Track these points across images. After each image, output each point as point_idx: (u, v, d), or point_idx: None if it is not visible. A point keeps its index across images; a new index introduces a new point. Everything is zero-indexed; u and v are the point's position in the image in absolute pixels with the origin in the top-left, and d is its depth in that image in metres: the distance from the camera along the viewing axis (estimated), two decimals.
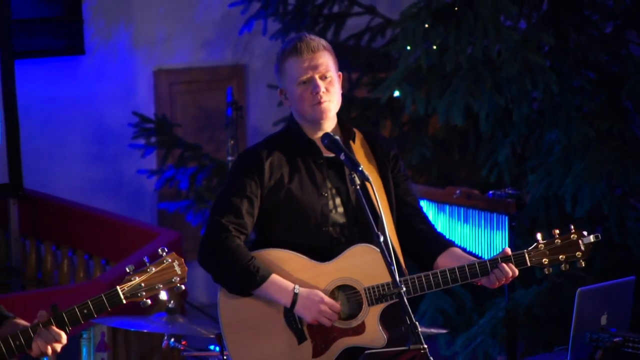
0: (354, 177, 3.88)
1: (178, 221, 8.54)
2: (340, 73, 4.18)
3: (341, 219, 4.12)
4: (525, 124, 6.85)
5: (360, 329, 4.03)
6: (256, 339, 4.07)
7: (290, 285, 4.02)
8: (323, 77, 4.09)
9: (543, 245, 4.11)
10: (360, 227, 4.09)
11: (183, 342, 5.01)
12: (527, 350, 6.50)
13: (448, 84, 6.61)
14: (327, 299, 4.01)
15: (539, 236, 4.13)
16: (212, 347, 4.99)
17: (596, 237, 4.15)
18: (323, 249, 4.07)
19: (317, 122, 4.11)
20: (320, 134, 4.11)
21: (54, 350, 3.47)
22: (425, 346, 3.65)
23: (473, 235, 6.05)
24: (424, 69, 6.58)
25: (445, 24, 6.51)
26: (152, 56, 9.26)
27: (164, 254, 3.63)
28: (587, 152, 6.60)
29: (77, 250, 8.03)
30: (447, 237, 6.07)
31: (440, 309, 6.80)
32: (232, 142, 6.45)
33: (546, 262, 4.11)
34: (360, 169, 3.89)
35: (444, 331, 5.47)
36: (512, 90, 6.55)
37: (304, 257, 4.07)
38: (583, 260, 4.14)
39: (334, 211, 4.12)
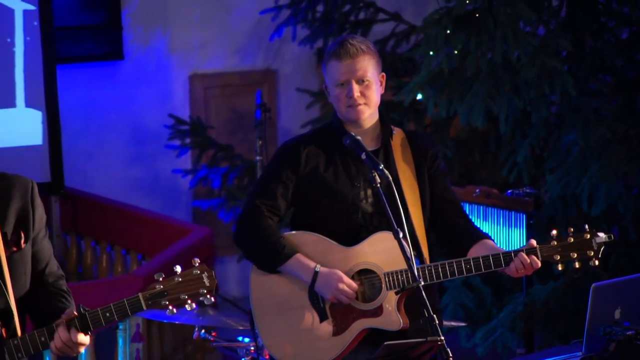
0: (374, 175, 3.88)
1: (211, 218, 8.54)
2: (383, 74, 4.20)
3: (370, 209, 4.14)
4: (544, 126, 6.82)
5: (378, 312, 4.05)
6: (281, 314, 4.12)
7: (312, 264, 4.07)
8: (360, 81, 4.11)
9: (556, 242, 4.07)
10: (388, 218, 4.08)
11: (213, 334, 5.01)
12: (544, 343, 6.46)
13: (469, 87, 6.58)
14: (345, 278, 4.04)
15: (554, 233, 4.08)
16: (240, 338, 4.98)
17: (609, 237, 4.09)
18: (350, 235, 4.11)
19: (352, 122, 4.16)
20: (359, 130, 4.16)
21: (75, 352, 3.41)
22: (442, 338, 3.64)
23: (492, 233, 6.01)
24: (446, 73, 6.55)
25: (466, 30, 6.48)
26: (187, 61, 9.27)
27: (196, 264, 3.49)
28: (603, 153, 6.55)
29: (115, 245, 8.06)
30: None
31: (461, 303, 6.76)
32: (260, 142, 6.45)
33: (558, 259, 4.06)
34: (380, 167, 3.89)
35: (463, 324, 5.44)
36: (530, 93, 6.51)
37: (331, 240, 4.11)
38: (596, 259, 4.07)
39: (364, 201, 4.14)
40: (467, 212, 6.12)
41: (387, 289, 4.04)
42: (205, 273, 3.47)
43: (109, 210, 7.98)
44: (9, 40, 7.52)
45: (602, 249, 4.07)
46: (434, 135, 7.23)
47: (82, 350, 3.41)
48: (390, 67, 7.71)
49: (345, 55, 4.09)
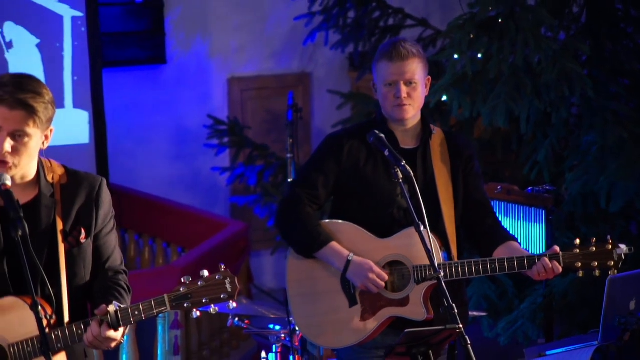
0: (397, 171, 3.86)
1: (248, 214, 8.56)
2: (429, 77, 4.19)
3: (405, 204, 4.09)
4: (564, 127, 6.77)
5: (404, 302, 4.05)
6: (314, 297, 4.14)
7: (345, 252, 4.07)
8: (408, 83, 4.10)
9: (578, 250, 4.03)
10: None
11: (246, 322, 5.01)
12: (564, 333, 6.41)
13: (491, 89, 6.53)
14: (376, 268, 4.04)
15: (577, 241, 4.05)
16: (271, 326, 4.98)
17: (630, 249, 4.05)
18: (385, 227, 4.11)
19: (396, 120, 4.15)
20: (401, 128, 4.16)
21: (99, 347, 3.39)
22: (461, 326, 3.62)
23: (513, 228, 5.96)
24: (470, 76, 6.50)
25: (489, 34, 6.44)
26: (226, 65, 9.29)
27: (221, 270, 3.45)
28: (621, 152, 6.50)
29: (157, 238, 8.08)
30: None
31: (485, 295, 6.72)
32: (291, 140, 6.43)
33: (579, 266, 4.03)
34: (402, 164, 3.87)
35: (484, 314, 5.41)
36: (551, 95, 6.46)
37: (366, 231, 4.11)
38: (615, 269, 4.04)
39: (400, 196, 4.12)
40: None
41: (414, 282, 4.04)
42: (228, 279, 3.43)
43: (152, 205, 8.01)
44: (58, 45, 7.57)
45: (621, 260, 4.03)
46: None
47: (114, 345, 3.38)
48: None
49: (397, 56, 4.09)
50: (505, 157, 7.45)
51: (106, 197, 3.53)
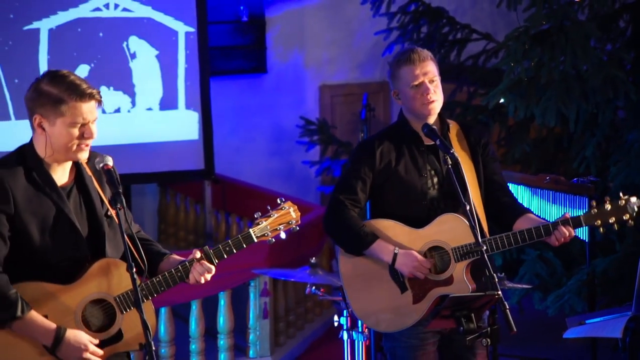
0: (446, 158, 3.82)
1: None
2: (439, 77, 4.10)
3: (436, 194, 4.05)
4: (610, 126, 6.62)
5: (449, 281, 3.97)
6: (368, 288, 4.07)
7: (391, 247, 4.00)
8: (431, 81, 4.01)
9: (596, 210, 3.92)
10: (451, 201, 4.02)
11: (322, 290, 5.00)
12: (604, 306, 6.27)
13: (543, 93, 6.44)
14: (420, 257, 3.97)
15: (593, 203, 3.95)
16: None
17: None
18: (420, 218, 4.02)
19: (424, 117, 4.04)
20: (421, 125, 4.04)
21: (205, 279, 3.49)
22: (500, 292, 3.56)
23: (559, 214, 5.85)
24: (524, 81, 6.41)
25: (542, 45, 6.34)
26: (318, 74, 9.31)
27: (282, 202, 3.60)
28: None
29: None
30: (537, 214, 5.95)
31: (536, 273, 6.60)
32: (362, 134, 6.43)
33: (599, 224, 3.92)
34: (451, 151, 3.82)
35: (530, 286, 5.30)
36: (597, 98, 6.33)
37: (404, 225, 4.03)
38: (631, 221, 3.90)
39: (431, 189, 4.05)
40: (539, 196, 6.03)
41: (455, 261, 3.96)
42: (292, 208, 3.62)
43: (251, 193, 8.06)
44: (173, 55, 7.66)
45: (635, 211, 3.90)
46: (515, 134, 7.09)
47: (209, 277, 3.49)
48: (480, 78, 7.60)
49: (417, 60, 4.00)
50: (557, 153, 7.32)
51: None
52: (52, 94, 3.31)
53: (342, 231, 4.05)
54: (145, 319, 3.21)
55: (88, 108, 3.33)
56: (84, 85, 3.33)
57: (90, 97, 3.33)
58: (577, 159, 6.76)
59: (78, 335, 3.35)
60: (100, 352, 3.40)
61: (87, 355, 3.36)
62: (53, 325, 3.34)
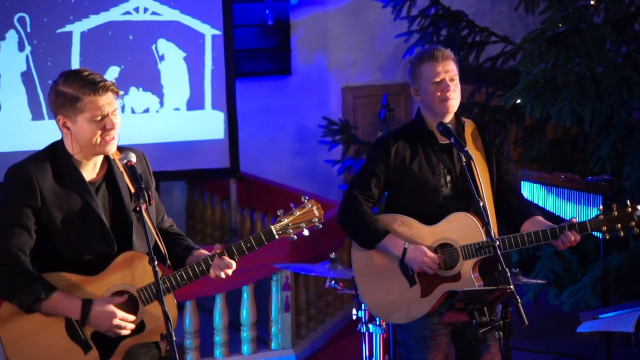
0: (461, 156, 3.79)
1: None
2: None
3: (449, 192, 4.02)
4: (624, 127, 6.55)
5: (457, 277, 3.95)
6: (378, 281, 4.05)
7: (401, 241, 3.98)
8: (451, 80, 3.98)
9: (602, 216, 3.88)
10: (463, 200, 3.99)
11: (340, 284, 4.98)
12: (618, 302, 6.20)
13: (559, 93, 6.38)
14: (429, 253, 3.95)
15: (600, 208, 3.91)
16: None
17: None
18: (433, 215, 4.00)
19: (443, 115, 4.00)
20: (438, 124, 4.00)
21: (226, 274, 3.47)
22: (512, 286, 3.52)
23: (573, 211, 5.81)
24: (540, 82, 6.37)
25: (558, 47, 6.29)
26: (341, 76, 9.28)
27: (305, 200, 3.56)
28: None
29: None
30: (553, 211, 5.90)
31: (552, 269, 6.54)
32: (380, 134, 6.41)
33: (605, 229, 3.87)
34: (465, 149, 3.79)
35: (544, 282, 5.25)
36: (611, 99, 6.27)
37: (416, 221, 4.01)
38: (637, 228, 3.86)
39: (444, 187, 4.02)
40: (554, 194, 5.98)
41: (463, 259, 3.93)
42: (315, 206, 3.56)
43: (275, 190, 8.05)
44: (200, 57, 7.67)
45: None
46: (532, 134, 7.03)
47: (230, 272, 3.46)
48: (498, 79, 7.54)
49: (439, 57, 3.97)
50: (572, 152, 7.25)
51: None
52: (68, 94, 3.31)
53: (354, 225, 4.04)
54: (166, 310, 3.20)
55: (105, 100, 3.32)
56: (98, 79, 3.32)
57: (105, 89, 3.32)
58: (593, 158, 6.70)
59: (105, 305, 3.34)
60: (131, 317, 3.38)
61: (117, 321, 3.35)
62: (79, 299, 3.34)
